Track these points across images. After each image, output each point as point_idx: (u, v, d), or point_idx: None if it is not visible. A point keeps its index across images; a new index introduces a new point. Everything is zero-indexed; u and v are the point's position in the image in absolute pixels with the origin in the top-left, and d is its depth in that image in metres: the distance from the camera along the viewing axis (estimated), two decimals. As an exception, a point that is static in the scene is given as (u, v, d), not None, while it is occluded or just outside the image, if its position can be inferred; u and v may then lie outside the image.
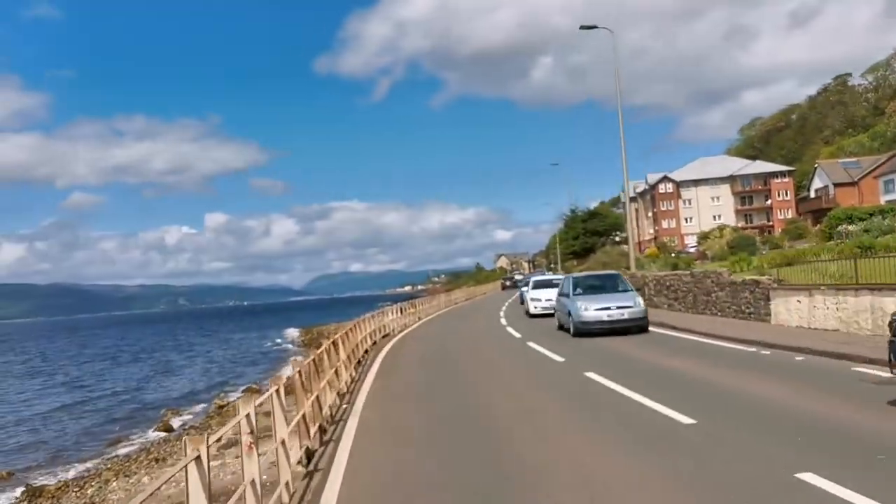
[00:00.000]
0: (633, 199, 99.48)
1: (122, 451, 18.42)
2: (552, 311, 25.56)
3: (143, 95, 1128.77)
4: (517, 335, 22.31)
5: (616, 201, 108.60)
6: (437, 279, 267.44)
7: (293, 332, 66.49)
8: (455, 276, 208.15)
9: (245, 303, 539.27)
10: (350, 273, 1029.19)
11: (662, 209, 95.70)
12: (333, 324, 72.06)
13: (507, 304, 43.52)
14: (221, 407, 23.88)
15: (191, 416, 23.46)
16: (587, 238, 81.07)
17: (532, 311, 30.18)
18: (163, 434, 20.19)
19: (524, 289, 35.52)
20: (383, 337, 26.21)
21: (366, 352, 20.65)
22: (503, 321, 29.17)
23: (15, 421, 25.38)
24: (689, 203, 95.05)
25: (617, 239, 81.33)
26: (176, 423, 22.07)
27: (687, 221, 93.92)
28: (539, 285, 31.71)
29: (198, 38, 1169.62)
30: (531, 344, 18.96)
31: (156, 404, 26.86)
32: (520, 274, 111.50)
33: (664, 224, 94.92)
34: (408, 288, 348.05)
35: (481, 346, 20.54)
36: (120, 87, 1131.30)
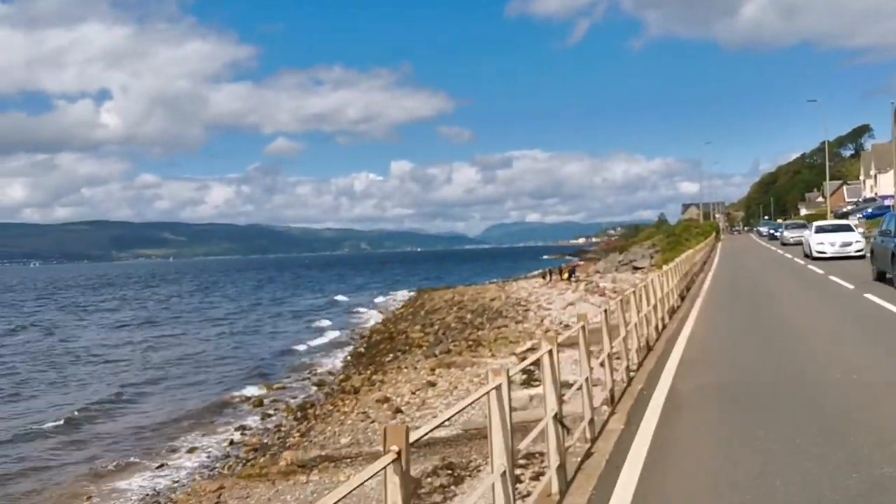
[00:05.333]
0: None
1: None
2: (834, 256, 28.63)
3: (342, 45, 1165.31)
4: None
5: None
6: (612, 231, 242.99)
7: (391, 299, 53.09)
8: (634, 228, 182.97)
9: (418, 249, 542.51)
10: (526, 223, 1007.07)
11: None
12: (460, 286, 55.65)
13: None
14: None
15: None
16: None
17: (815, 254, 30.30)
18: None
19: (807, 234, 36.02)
20: None
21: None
22: None
23: None
24: None
25: None
26: None
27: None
28: (821, 230, 32.26)
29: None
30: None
31: None
32: (764, 226, 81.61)
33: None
34: (581, 240, 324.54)
35: None
36: (322, 37, 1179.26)
